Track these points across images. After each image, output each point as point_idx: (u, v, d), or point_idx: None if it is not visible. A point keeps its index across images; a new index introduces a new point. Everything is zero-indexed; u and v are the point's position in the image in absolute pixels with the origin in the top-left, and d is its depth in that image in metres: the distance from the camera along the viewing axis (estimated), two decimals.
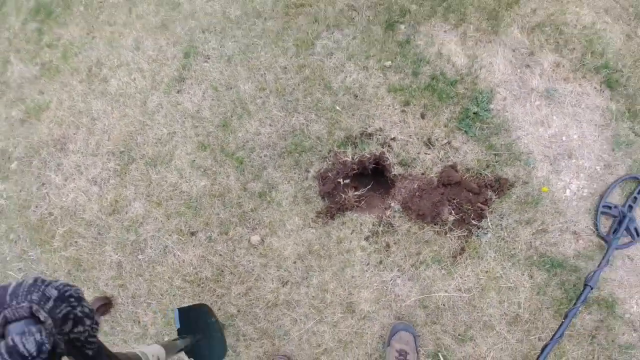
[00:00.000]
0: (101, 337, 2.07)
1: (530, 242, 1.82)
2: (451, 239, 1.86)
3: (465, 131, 1.95)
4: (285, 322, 1.96)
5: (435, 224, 1.88)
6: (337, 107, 2.10)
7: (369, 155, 1.99)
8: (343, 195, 1.98)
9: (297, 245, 2.00)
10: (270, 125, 2.18)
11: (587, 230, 1.81)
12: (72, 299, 0.74)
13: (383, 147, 2.00)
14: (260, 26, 2.38)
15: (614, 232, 1.76)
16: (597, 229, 1.79)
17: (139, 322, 2.15)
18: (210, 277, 2.07)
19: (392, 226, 1.95)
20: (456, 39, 2.09)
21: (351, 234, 1.97)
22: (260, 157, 2.15)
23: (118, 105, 2.49)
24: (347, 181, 2.01)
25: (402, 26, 2.15)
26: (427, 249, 1.87)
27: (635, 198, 1.77)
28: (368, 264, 1.94)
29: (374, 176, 2.08)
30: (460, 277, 1.83)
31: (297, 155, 2.09)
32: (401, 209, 1.91)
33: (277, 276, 1.99)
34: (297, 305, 1.95)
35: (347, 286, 1.92)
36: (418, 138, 1.99)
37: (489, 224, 1.84)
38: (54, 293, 0.71)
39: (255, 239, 2.04)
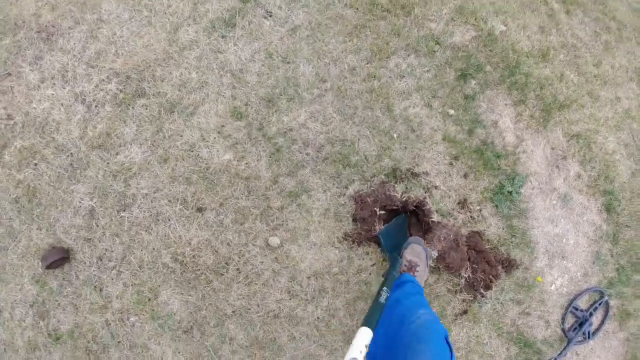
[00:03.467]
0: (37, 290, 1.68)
1: (515, 320, 2.06)
2: (458, 300, 1.98)
3: (496, 205, 2.08)
4: (282, 336, 1.84)
5: (453, 278, 1.98)
6: (394, 134, 2.03)
7: (414, 198, 1.98)
8: (376, 226, 1.94)
9: (316, 261, 1.89)
10: (321, 123, 1.99)
11: (555, 322, 2.12)
12: None
13: (426, 192, 2.02)
14: (338, 9, 2.13)
15: (574, 330, 2.10)
16: (563, 324, 2.11)
17: (101, 290, 1.79)
18: (211, 267, 1.81)
19: None
20: (512, 115, 2.21)
21: (372, 266, 1.94)
22: (301, 153, 1.96)
23: (140, 17, 1.98)
24: (382, 212, 1.97)
25: (473, 81, 2.18)
26: (436, 303, 1.96)
27: (596, 308, 2.14)
28: None
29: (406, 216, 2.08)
30: (455, 336, 1.97)
31: (340, 167, 1.96)
32: (436, 256, 1.95)
33: (286, 287, 1.85)
34: (299, 322, 1.85)
35: (356, 318, 1.89)
36: (456, 195, 2.06)
37: (492, 295, 2.02)
38: None
39: (274, 240, 1.86)
